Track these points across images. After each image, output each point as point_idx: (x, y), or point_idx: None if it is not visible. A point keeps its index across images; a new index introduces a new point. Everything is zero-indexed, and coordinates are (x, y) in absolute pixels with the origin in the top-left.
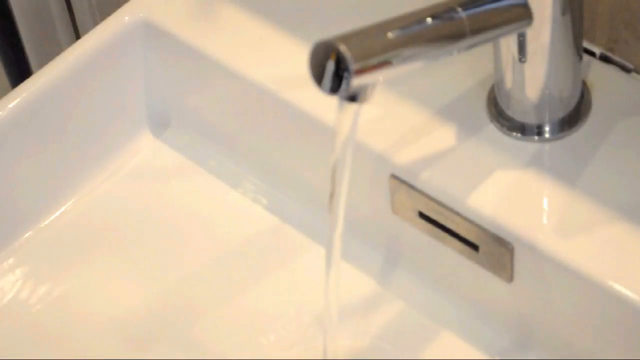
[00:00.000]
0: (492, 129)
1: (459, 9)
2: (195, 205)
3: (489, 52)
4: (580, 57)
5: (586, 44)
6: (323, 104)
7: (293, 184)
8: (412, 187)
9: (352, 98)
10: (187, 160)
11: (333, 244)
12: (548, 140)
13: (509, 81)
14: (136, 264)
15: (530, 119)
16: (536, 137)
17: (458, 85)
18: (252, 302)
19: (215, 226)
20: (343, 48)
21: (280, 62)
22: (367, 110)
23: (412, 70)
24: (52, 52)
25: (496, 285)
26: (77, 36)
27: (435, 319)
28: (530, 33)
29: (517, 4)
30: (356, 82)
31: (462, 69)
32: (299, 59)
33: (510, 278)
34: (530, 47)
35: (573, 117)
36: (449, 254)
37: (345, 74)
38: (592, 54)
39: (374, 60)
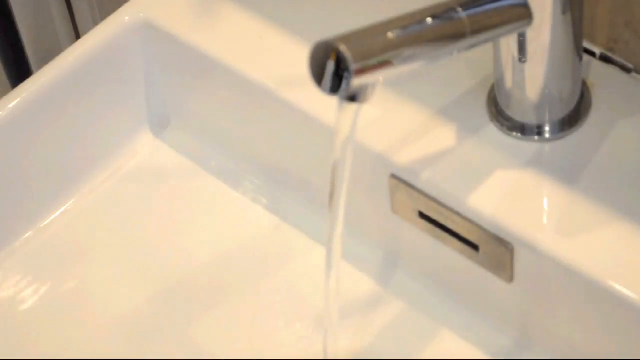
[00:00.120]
0: (492, 129)
1: (459, 9)
2: (195, 205)
3: (489, 52)
4: (581, 57)
5: (586, 44)
6: (323, 104)
7: (293, 184)
8: (412, 187)
9: (352, 98)
10: (187, 160)
11: (333, 244)
12: (548, 140)
13: (509, 81)
14: (136, 263)
15: (531, 119)
16: (536, 137)
17: (458, 85)
18: (252, 302)
19: (215, 226)
20: (343, 48)
21: (280, 62)
22: (367, 110)
23: (412, 70)
24: (52, 52)
25: (496, 285)
26: (77, 36)
27: (435, 319)
28: (530, 33)
29: (517, 4)
30: (356, 82)
31: (462, 69)
32: (299, 59)
33: (510, 278)
34: (530, 47)
35: (573, 117)
36: (449, 254)
37: (346, 74)
38: (592, 54)
39: (374, 60)
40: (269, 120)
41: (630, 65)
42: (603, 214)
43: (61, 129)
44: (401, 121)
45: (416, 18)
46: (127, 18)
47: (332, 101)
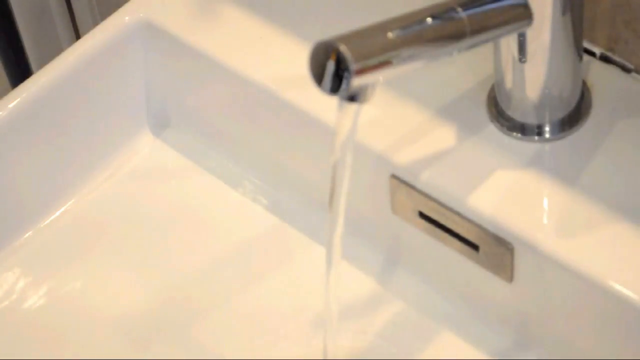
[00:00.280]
0: (492, 129)
1: (459, 9)
2: (195, 205)
3: (489, 52)
4: (581, 57)
5: (586, 44)
6: (323, 104)
7: (293, 184)
8: (412, 187)
9: (352, 98)
10: (187, 160)
11: (333, 244)
12: (548, 140)
13: (509, 81)
14: (136, 263)
15: (531, 119)
16: (536, 137)
17: (458, 85)
18: (252, 302)
19: (215, 226)
20: (343, 48)
21: (280, 62)
22: (367, 111)
23: (412, 70)
24: (52, 52)
25: (496, 285)
26: (77, 36)
27: (436, 319)
28: (530, 33)
29: (517, 4)
30: (356, 82)
31: (462, 69)
32: (299, 59)
33: (510, 278)
34: (530, 47)
35: (573, 117)
36: (449, 254)
37: (346, 74)
38: (592, 54)
39: (374, 60)
40: (269, 120)
41: (630, 65)
42: (603, 214)
43: (61, 129)
44: (401, 121)
45: (416, 18)
46: (127, 18)
47: (332, 101)
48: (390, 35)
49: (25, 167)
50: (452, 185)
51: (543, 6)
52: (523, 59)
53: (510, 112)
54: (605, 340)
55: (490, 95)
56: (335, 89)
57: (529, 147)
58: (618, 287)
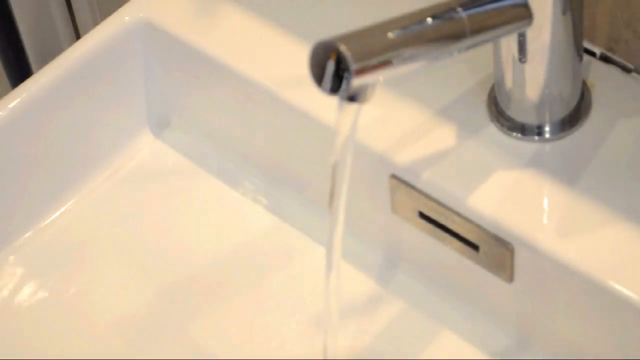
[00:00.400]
0: (492, 129)
1: (459, 9)
2: (195, 205)
3: (489, 52)
4: (581, 57)
5: (586, 44)
6: (323, 104)
7: (293, 184)
8: (412, 187)
9: (352, 98)
10: (187, 160)
11: (333, 244)
12: (548, 140)
13: (509, 81)
14: (136, 263)
15: (531, 119)
16: (536, 137)
17: (458, 85)
18: (252, 302)
19: (215, 226)
20: (343, 48)
21: (280, 62)
22: (367, 111)
23: (412, 70)
24: (52, 52)
25: (496, 285)
26: (77, 36)
27: (435, 319)
28: (530, 33)
29: (517, 4)
30: (356, 82)
31: (462, 69)
32: (299, 59)
33: (510, 278)
34: (530, 47)
35: (573, 117)
36: (449, 254)
37: (346, 74)
38: (592, 54)
39: (374, 60)
40: (269, 120)
41: (630, 65)
42: (603, 214)
43: (61, 129)
44: (401, 121)
45: (416, 18)
46: (127, 18)
47: (332, 101)
48: (390, 35)
49: (25, 167)
50: (452, 185)
51: (543, 6)
52: (523, 59)
53: (510, 112)
54: (605, 340)
55: (490, 95)
56: (335, 89)
57: (529, 147)
58: (618, 287)
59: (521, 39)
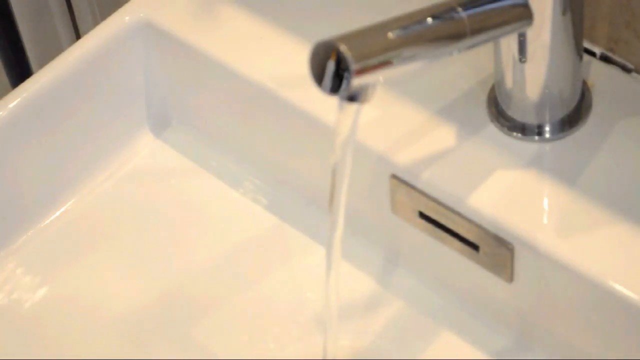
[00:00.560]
0: (492, 129)
1: (459, 9)
2: (195, 205)
3: (489, 52)
4: (581, 57)
5: (586, 44)
6: (323, 104)
7: (293, 184)
8: (412, 187)
9: (352, 98)
10: (187, 160)
11: (333, 244)
12: (548, 140)
13: (509, 81)
14: (136, 263)
15: (531, 119)
16: (536, 137)
17: (458, 85)
18: (252, 302)
19: (215, 226)
20: (343, 48)
21: (280, 62)
22: (368, 111)
23: (412, 70)
24: (52, 52)
25: (496, 285)
26: (77, 36)
27: (435, 319)
28: (530, 33)
29: (518, 4)
30: (356, 82)
31: (462, 69)
32: (299, 59)
33: (510, 278)
34: (530, 47)
35: (573, 117)
36: (449, 254)
37: (346, 74)
38: (592, 54)
39: (374, 60)
40: (269, 120)
41: (630, 65)
42: (603, 214)
43: (61, 128)
44: (401, 121)
45: (416, 18)
46: (127, 18)
47: (332, 101)
48: (390, 35)
49: (26, 167)
50: (452, 185)
51: (543, 6)
52: (523, 59)
53: (510, 112)
54: (605, 340)
55: (490, 95)
56: (335, 89)
57: (529, 147)
58: (618, 287)
59: (521, 39)
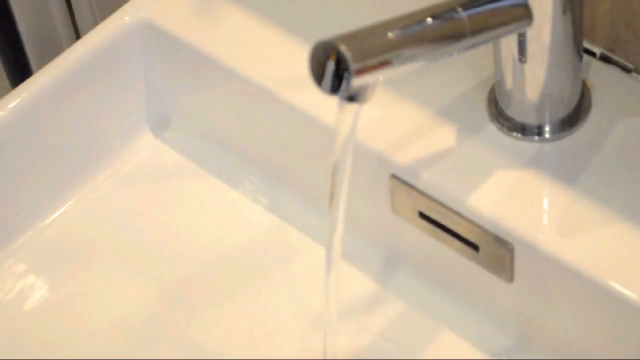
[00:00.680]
0: (492, 129)
1: (459, 9)
2: (195, 206)
3: (489, 52)
4: (581, 57)
5: (586, 44)
6: (323, 104)
7: (293, 184)
8: (412, 187)
9: (352, 98)
10: (187, 160)
11: (333, 244)
12: (548, 140)
13: (509, 81)
14: (136, 264)
15: (531, 119)
16: (536, 137)
17: (458, 85)
18: (252, 302)
19: (215, 226)
20: (343, 48)
21: (280, 62)
22: (367, 111)
23: (412, 70)
24: (52, 52)
25: (496, 285)
26: (77, 36)
27: (435, 319)
28: (530, 33)
29: (518, 4)
30: (356, 82)
31: (462, 69)
32: (299, 59)
33: (510, 278)
34: (530, 47)
35: (573, 117)
36: (449, 254)
37: (346, 74)
38: (592, 54)
39: (374, 60)
40: (269, 120)
41: (630, 65)
42: (603, 214)
43: (61, 129)
44: (401, 121)
45: (416, 18)
46: (127, 18)
47: (332, 101)
48: (390, 35)
49: (26, 167)
50: (452, 185)
51: (543, 6)
52: (523, 59)
53: (510, 112)
54: (605, 340)
55: (490, 95)
56: (335, 89)
57: (529, 147)
58: (618, 287)
59: (521, 39)
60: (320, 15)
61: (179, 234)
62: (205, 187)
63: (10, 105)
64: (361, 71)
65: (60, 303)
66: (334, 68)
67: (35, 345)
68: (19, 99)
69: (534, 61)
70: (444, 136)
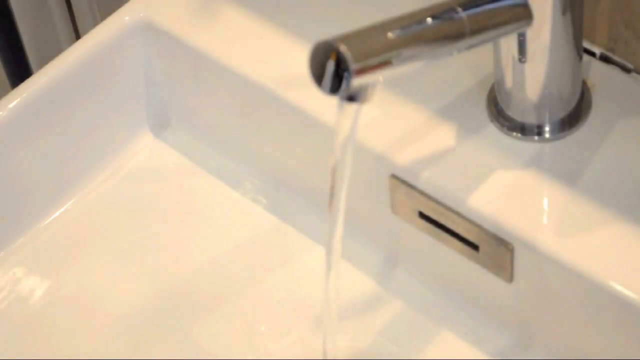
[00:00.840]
0: (492, 129)
1: (459, 9)
2: (195, 205)
3: (489, 52)
4: (580, 57)
5: (586, 44)
6: (323, 104)
7: (293, 184)
8: (412, 187)
9: (352, 98)
10: (187, 160)
11: (333, 244)
12: (548, 140)
13: (509, 81)
14: (136, 263)
15: (531, 119)
16: (536, 137)
17: (458, 85)
18: (252, 302)
19: (215, 226)
20: (343, 48)
21: (280, 62)
22: (367, 111)
23: (412, 70)
24: (52, 52)
25: (496, 285)
26: (77, 36)
27: (435, 319)
28: (530, 33)
29: (517, 4)
30: (356, 82)
31: (462, 69)
32: (299, 59)
33: (510, 278)
34: (530, 47)
35: (573, 117)
36: (449, 254)
37: (346, 74)
38: (592, 54)
39: (374, 60)
40: (269, 120)
41: (630, 65)
42: (603, 214)
43: (61, 129)
44: (401, 121)
45: (416, 18)
46: (127, 18)
47: (332, 101)
48: (390, 35)
49: (25, 167)
50: (452, 185)
51: (543, 6)
52: (523, 59)
53: (510, 112)
54: (605, 340)
55: (490, 95)
56: (335, 89)
57: (529, 147)
58: (618, 287)
59: (521, 39)
60: (320, 15)
61: (178, 234)
62: (205, 187)
63: (10, 105)
64: (361, 71)
65: (60, 303)
66: (334, 68)
67: (36, 345)
68: (19, 99)
69: (534, 61)
70: (444, 136)
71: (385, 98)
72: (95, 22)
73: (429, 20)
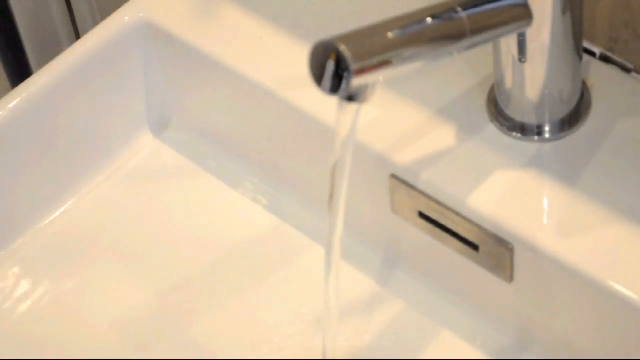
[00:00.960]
0: (492, 129)
1: (459, 9)
2: (195, 205)
3: (489, 52)
4: (580, 57)
5: (586, 44)
6: (323, 104)
7: (293, 184)
8: (412, 187)
9: (352, 98)
10: (187, 160)
11: (333, 244)
12: (548, 140)
13: (509, 81)
14: (136, 264)
15: (531, 119)
16: (536, 137)
17: (458, 85)
18: (252, 302)
19: (215, 226)
20: (343, 48)
21: (280, 62)
22: (367, 111)
23: (412, 70)
24: (52, 52)
25: (496, 285)
26: (77, 36)
27: (435, 319)
28: (530, 33)
29: (517, 4)
30: (356, 82)
31: (462, 69)
32: (299, 59)
33: (510, 278)
34: (530, 47)
35: (573, 117)
36: (449, 254)
37: (345, 74)
38: (592, 54)
39: (374, 60)
40: (269, 120)
41: (630, 65)
42: (603, 214)
43: (61, 129)
44: (401, 121)
45: (416, 18)
46: (127, 18)
47: (332, 101)
48: (390, 35)
49: (25, 167)
50: (452, 185)
51: (543, 6)
52: (523, 59)
53: (510, 112)
54: (605, 340)
55: (490, 95)
56: (335, 89)
57: (529, 147)
58: (618, 287)
59: (521, 39)
60: (320, 15)
61: (178, 234)
62: (205, 187)
63: (10, 105)
64: (361, 71)
65: (60, 303)
66: (334, 68)
67: (36, 345)
68: (19, 99)
69: (534, 61)
70: (444, 136)
71: (385, 98)
72: (95, 22)
73: (429, 20)
